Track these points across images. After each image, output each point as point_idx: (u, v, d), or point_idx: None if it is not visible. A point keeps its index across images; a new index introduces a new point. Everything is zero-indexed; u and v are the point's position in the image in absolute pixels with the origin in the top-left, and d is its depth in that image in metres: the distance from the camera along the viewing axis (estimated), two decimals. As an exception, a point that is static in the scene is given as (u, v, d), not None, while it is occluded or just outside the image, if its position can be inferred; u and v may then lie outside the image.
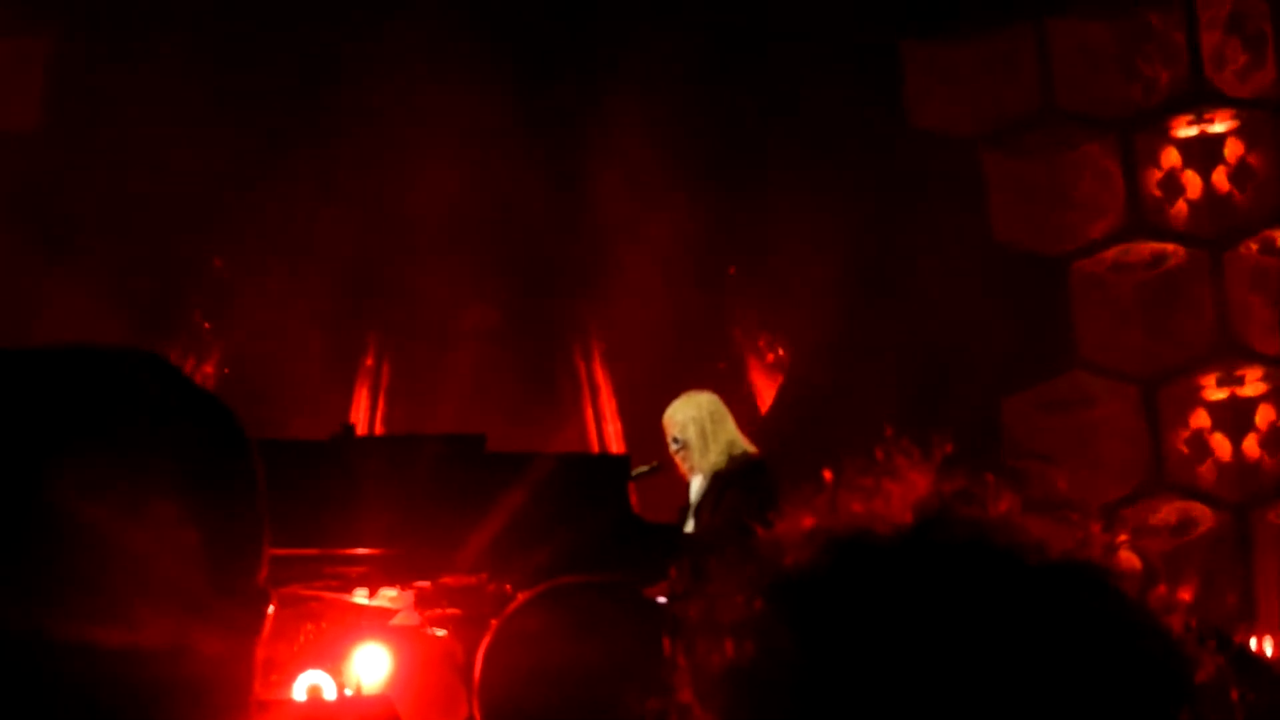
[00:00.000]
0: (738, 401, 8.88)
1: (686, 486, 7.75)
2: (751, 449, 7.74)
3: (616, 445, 10.31)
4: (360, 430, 9.29)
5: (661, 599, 6.13)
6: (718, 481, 7.55)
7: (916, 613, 1.17)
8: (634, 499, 7.14)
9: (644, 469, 7.59)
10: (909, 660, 1.16)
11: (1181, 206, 10.85)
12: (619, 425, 10.45)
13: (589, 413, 10.66)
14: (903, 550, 1.21)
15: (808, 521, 1.25)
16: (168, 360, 1.41)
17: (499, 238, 10.65)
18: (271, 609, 1.40)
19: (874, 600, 1.19)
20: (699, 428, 7.64)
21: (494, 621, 2.68)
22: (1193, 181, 10.89)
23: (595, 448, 10.34)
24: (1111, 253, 10.86)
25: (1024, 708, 1.15)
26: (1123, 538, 7.73)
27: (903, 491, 1.25)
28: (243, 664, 1.38)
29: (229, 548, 1.38)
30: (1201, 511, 10.55)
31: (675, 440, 7.66)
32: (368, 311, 10.86)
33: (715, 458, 7.60)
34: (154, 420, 1.36)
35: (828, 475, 1.27)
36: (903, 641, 1.17)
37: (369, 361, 10.61)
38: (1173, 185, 10.89)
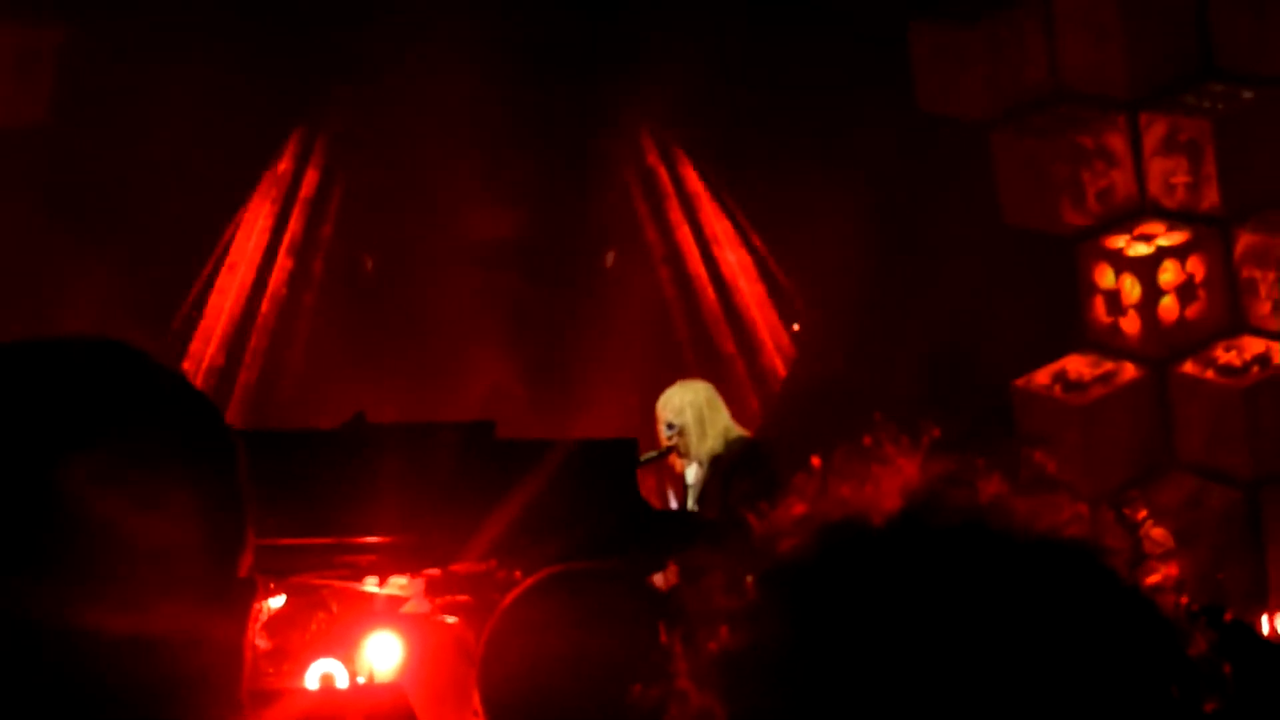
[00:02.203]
0: (749, 389, 8.88)
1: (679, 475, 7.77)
2: (745, 433, 7.75)
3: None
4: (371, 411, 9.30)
5: (663, 585, 6.14)
6: (719, 466, 7.56)
7: (905, 596, 1.19)
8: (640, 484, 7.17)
9: (651, 454, 7.59)
10: (898, 644, 1.17)
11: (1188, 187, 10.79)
12: None
13: None
14: (892, 535, 1.22)
15: (798, 508, 1.26)
16: (151, 355, 1.43)
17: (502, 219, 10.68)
18: (261, 598, 1.42)
19: (863, 585, 1.20)
20: (696, 412, 7.65)
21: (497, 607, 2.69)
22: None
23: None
24: (1121, 232, 10.84)
25: (1012, 686, 1.16)
26: (1142, 514, 7.72)
27: (892, 476, 1.25)
28: (244, 653, 1.41)
29: (228, 537, 1.40)
30: (1213, 489, 10.52)
31: (670, 425, 7.66)
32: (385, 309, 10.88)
33: (712, 443, 7.61)
34: (160, 414, 1.38)
35: (816, 462, 1.28)
36: (892, 625, 1.18)
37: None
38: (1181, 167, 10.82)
